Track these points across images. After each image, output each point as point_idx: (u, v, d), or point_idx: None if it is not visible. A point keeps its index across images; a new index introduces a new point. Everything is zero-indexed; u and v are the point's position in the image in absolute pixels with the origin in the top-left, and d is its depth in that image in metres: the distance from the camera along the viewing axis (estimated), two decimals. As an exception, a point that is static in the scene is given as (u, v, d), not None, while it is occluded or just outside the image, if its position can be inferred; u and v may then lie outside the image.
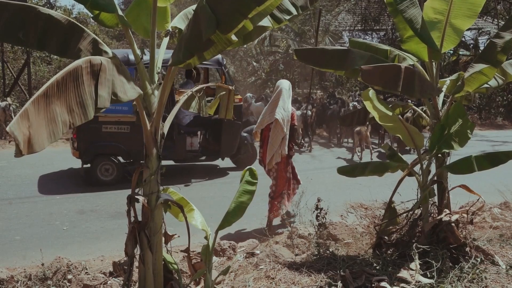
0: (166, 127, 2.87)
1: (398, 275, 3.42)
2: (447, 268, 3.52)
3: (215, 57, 7.57)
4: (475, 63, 3.87)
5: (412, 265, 3.51)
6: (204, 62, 7.43)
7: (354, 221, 5.02)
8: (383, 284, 3.25)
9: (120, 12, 2.73)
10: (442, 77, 4.68)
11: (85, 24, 18.12)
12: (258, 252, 4.24)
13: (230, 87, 3.99)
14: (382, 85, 3.62)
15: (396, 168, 4.00)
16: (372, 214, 5.06)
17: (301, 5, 2.82)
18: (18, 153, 1.87)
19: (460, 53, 19.71)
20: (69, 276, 3.61)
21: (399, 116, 3.93)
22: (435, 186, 4.02)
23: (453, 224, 3.79)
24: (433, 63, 4.02)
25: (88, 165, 7.45)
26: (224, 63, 8.15)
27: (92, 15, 2.89)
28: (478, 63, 3.85)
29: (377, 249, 3.97)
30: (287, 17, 2.76)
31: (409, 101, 9.48)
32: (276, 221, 5.39)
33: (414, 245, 3.64)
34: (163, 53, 2.95)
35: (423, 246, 3.66)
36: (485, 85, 4.02)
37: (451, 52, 18.81)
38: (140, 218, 2.80)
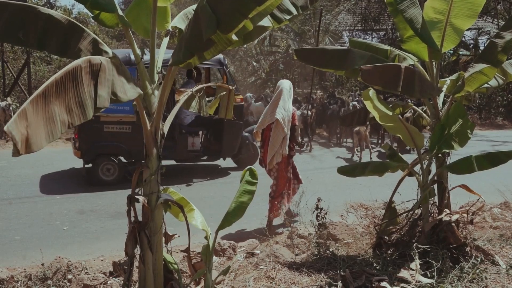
0: (166, 127, 2.87)
1: (398, 275, 3.42)
2: (447, 268, 3.52)
3: (216, 57, 7.67)
4: (476, 63, 3.87)
5: (412, 265, 3.51)
6: (205, 62, 7.49)
7: (354, 221, 5.01)
8: (383, 284, 3.25)
9: (120, 12, 2.72)
10: (442, 77, 4.67)
11: (85, 24, 18.11)
12: (258, 252, 4.24)
13: (230, 87, 3.99)
14: (382, 85, 3.61)
15: (396, 168, 4.00)
16: (372, 214, 5.06)
17: (301, 5, 2.82)
18: (16, 153, 1.86)
19: (460, 53, 19.72)
20: (69, 276, 3.61)
21: (399, 116, 3.93)
22: (435, 186, 4.02)
23: (453, 224, 3.79)
24: (433, 63, 4.01)
25: (90, 165, 7.46)
26: (226, 63, 8.15)
27: (92, 15, 2.89)
28: (478, 63, 3.85)
29: (377, 249, 3.97)
30: (287, 17, 2.76)
31: (409, 101, 9.49)
32: (276, 221, 5.39)
33: (414, 245, 3.64)
34: (163, 53, 2.95)
35: (423, 246, 3.66)
36: (486, 85, 4.02)
37: (451, 52, 18.82)
38: (140, 218, 2.80)
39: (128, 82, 2.50)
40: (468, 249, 3.81)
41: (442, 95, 4.11)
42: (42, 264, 3.71)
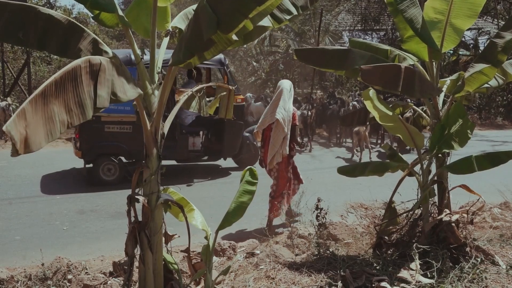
0: (166, 127, 2.87)
1: (398, 275, 3.42)
2: (447, 268, 3.52)
3: (217, 57, 7.67)
4: (476, 63, 3.87)
5: (412, 265, 3.51)
6: (206, 62, 7.49)
7: (354, 221, 5.01)
8: (383, 284, 3.25)
9: (120, 12, 2.72)
10: (442, 77, 4.67)
11: (85, 24, 18.11)
12: (258, 252, 4.24)
13: (230, 87, 3.99)
14: (382, 85, 3.61)
15: (396, 168, 4.00)
16: (372, 214, 5.06)
17: (302, 5, 2.82)
18: (15, 153, 1.85)
19: (460, 53, 19.72)
20: (69, 276, 3.61)
21: (399, 116, 3.93)
22: (435, 186, 4.02)
23: (453, 224, 3.79)
24: (434, 63, 4.01)
25: (91, 165, 7.45)
26: (227, 63, 8.15)
27: (92, 15, 2.89)
28: (478, 63, 3.84)
29: (377, 249, 3.97)
30: (288, 17, 2.75)
31: (409, 100, 9.49)
32: (277, 221, 5.39)
33: (414, 245, 3.64)
34: (163, 53, 2.95)
35: (423, 246, 3.66)
36: (486, 85, 4.02)
37: (451, 52, 18.82)
38: (140, 218, 2.79)
39: (128, 82, 2.50)
40: (468, 249, 3.81)
41: (442, 95, 4.11)
42: (42, 264, 3.71)
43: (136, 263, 2.91)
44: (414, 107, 4.56)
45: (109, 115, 7.17)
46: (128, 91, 2.48)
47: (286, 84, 5.34)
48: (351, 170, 4.14)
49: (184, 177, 7.84)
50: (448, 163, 3.99)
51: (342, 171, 4.14)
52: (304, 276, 3.55)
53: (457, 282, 3.39)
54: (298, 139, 5.71)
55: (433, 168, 4.02)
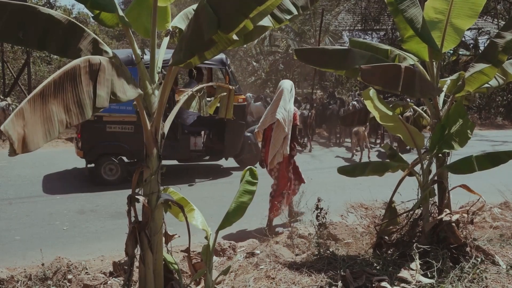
0: (166, 127, 2.87)
1: (398, 275, 3.41)
2: (448, 268, 3.52)
3: (218, 57, 7.67)
4: (476, 63, 3.87)
5: (413, 265, 3.51)
6: (207, 62, 7.49)
7: (354, 221, 5.01)
8: (383, 284, 3.25)
9: (120, 12, 2.72)
10: (442, 77, 4.66)
11: (85, 24, 18.11)
12: (258, 252, 4.24)
13: (230, 87, 3.99)
14: (382, 85, 3.61)
15: (396, 168, 4.00)
16: (372, 214, 5.06)
17: (302, 5, 2.82)
18: (12, 152, 1.84)
19: (460, 53, 19.72)
20: (69, 276, 3.61)
21: (399, 116, 3.93)
22: (436, 186, 4.02)
23: (453, 224, 3.79)
24: (434, 63, 4.01)
25: (92, 165, 7.45)
26: (228, 63, 8.15)
27: (92, 15, 2.88)
28: (479, 63, 3.84)
29: (378, 249, 3.97)
30: (288, 17, 2.75)
31: (409, 100, 9.48)
32: (277, 221, 5.38)
33: (414, 245, 3.63)
34: (163, 53, 2.95)
35: (424, 246, 3.65)
36: (486, 85, 4.02)
37: (451, 52, 18.82)
38: (140, 218, 2.79)
39: (128, 82, 2.50)
40: (468, 249, 3.81)
41: (442, 95, 4.10)
42: (42, 264, 3.71)
43: (136, 263, 2.91)
44: (414, 107, 4.55)
45: (111, 115, 7.18)
46: (128, 91, 2.47)
47: (286, 84, 5.35)
48: (351, 170, 4.14)
49: (186, 177, 7.84)
50: (448, 163, 3.99)
51: (342, 171, 4.14)
52: (304, 276, 3.55)
53: (457, 282, 3.39)
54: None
55: (433, 168, 4.02)
